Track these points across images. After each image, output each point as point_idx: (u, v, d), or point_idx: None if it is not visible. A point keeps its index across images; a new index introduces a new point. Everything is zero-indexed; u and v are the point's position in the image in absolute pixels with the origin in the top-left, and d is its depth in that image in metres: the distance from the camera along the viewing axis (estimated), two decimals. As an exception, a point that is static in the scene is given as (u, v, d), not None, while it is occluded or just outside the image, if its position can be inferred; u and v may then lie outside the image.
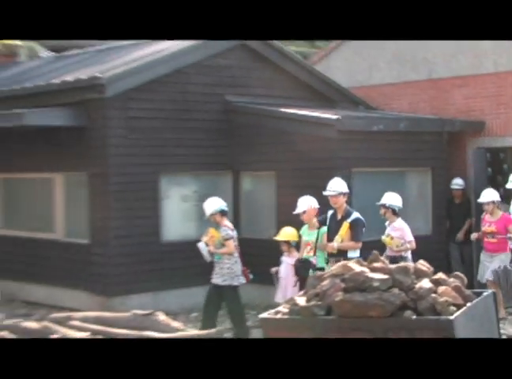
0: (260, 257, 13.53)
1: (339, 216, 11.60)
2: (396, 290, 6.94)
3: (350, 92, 17.62)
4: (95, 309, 12.62)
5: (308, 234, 12.24)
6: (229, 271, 12.01)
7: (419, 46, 17.12)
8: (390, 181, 15.55)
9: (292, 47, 20.21)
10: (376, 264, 7.52)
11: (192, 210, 15.50)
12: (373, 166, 14.93)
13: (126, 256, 13.99)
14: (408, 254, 12.77)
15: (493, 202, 13.66)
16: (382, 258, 7.79)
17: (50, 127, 14.73)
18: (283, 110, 15.35)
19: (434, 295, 6.97)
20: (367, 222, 11.88)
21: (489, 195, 13.82)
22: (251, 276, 12.35)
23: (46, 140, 15.40)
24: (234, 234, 12.22)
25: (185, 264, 13.90)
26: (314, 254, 11.95)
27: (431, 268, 7.76)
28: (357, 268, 7.36)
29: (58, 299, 15.12)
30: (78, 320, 6.82)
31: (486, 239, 13.84)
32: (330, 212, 11.86)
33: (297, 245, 12.52)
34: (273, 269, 12.72)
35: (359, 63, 18.94)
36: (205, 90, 15.48)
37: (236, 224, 14.66)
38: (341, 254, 11.05)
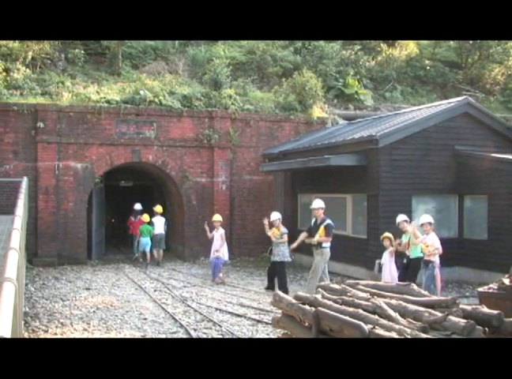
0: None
1: (318, 222, 12.61)
2: None
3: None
4: (368, 279, 12.60)
5: (405, 237, 12.12)
6: (282, 253, 13.45)
7: None
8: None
9: (498, 114, 19.15)
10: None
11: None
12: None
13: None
14: (436, 258, 11.48)
15: None
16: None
17: (344, 166, 15.28)
18: (492, 154, 14.89)
19: None
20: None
21: None
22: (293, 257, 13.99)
23: (342, 174, 15.88)
24: (286, 230, 13.68)
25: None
26: (408, 248, 11.97)
27: None
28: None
29: (348, 271, 15.51)
30: (362, 285, 7.05)
31: None
32: (313, 220, 13.00)
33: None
34: (377, 261, 12.82)
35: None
36: (440, 142, 15.29)
37: (460, 228, 14.41)
38: (319, 244, 12.33)
